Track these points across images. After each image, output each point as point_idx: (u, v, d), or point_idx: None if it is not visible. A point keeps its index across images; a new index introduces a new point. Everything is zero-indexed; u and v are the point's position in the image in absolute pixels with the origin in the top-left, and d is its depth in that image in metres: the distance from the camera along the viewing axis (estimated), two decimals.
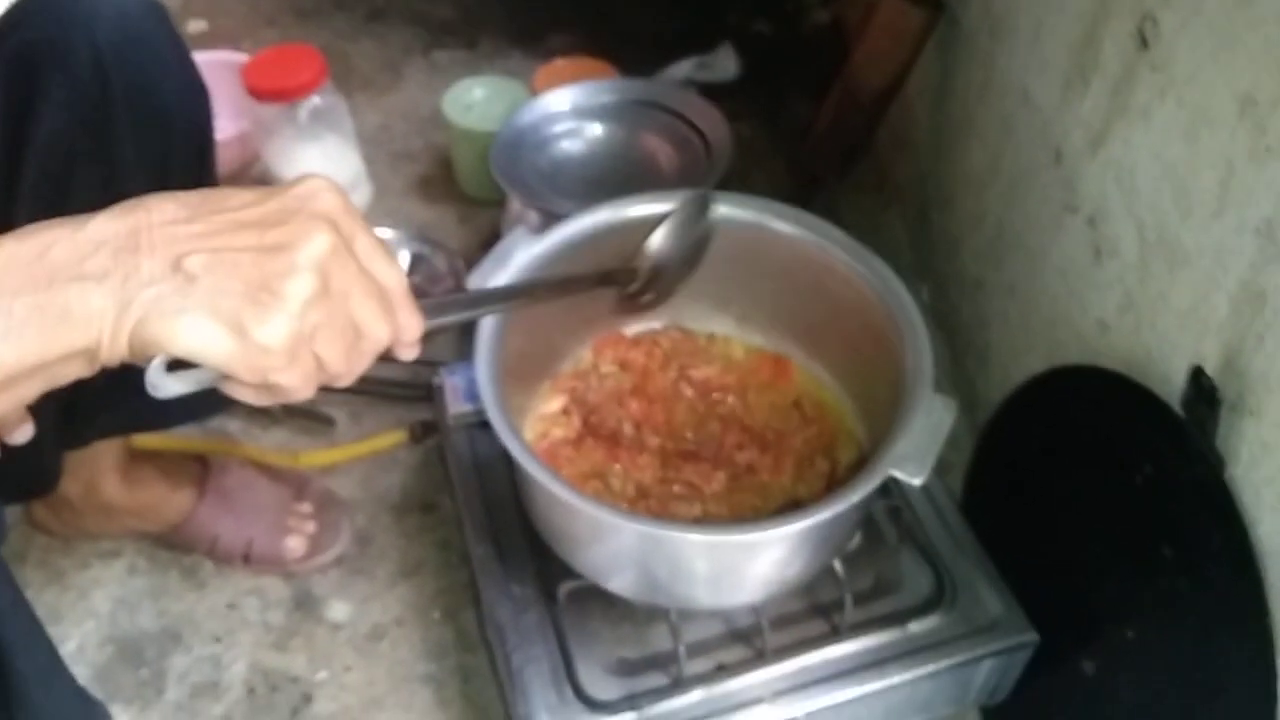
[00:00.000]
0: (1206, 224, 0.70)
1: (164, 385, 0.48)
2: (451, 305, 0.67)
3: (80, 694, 0.69)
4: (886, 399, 0.79)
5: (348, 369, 0.52)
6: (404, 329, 0.54)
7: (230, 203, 0.49)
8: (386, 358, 0.56)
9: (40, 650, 0.64)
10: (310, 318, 0.48)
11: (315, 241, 0.49)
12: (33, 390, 0.47)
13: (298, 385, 0.49)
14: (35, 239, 0.46)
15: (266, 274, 0.47)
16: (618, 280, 0.82)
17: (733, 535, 0.74)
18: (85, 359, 0.46)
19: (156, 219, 0.47)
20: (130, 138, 0.74)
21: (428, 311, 0.57)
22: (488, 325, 0.77)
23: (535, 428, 0.88)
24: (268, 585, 1.04)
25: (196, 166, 0.83)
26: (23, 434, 0.59)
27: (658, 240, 0.83)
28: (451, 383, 0.99)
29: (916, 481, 0.70)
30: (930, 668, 0.83)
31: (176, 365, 0.48)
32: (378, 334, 0.52)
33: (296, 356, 0.48)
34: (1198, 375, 0.69)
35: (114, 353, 0.46)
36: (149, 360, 0.47)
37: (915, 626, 0.85)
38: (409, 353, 0.57)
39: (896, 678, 0.83)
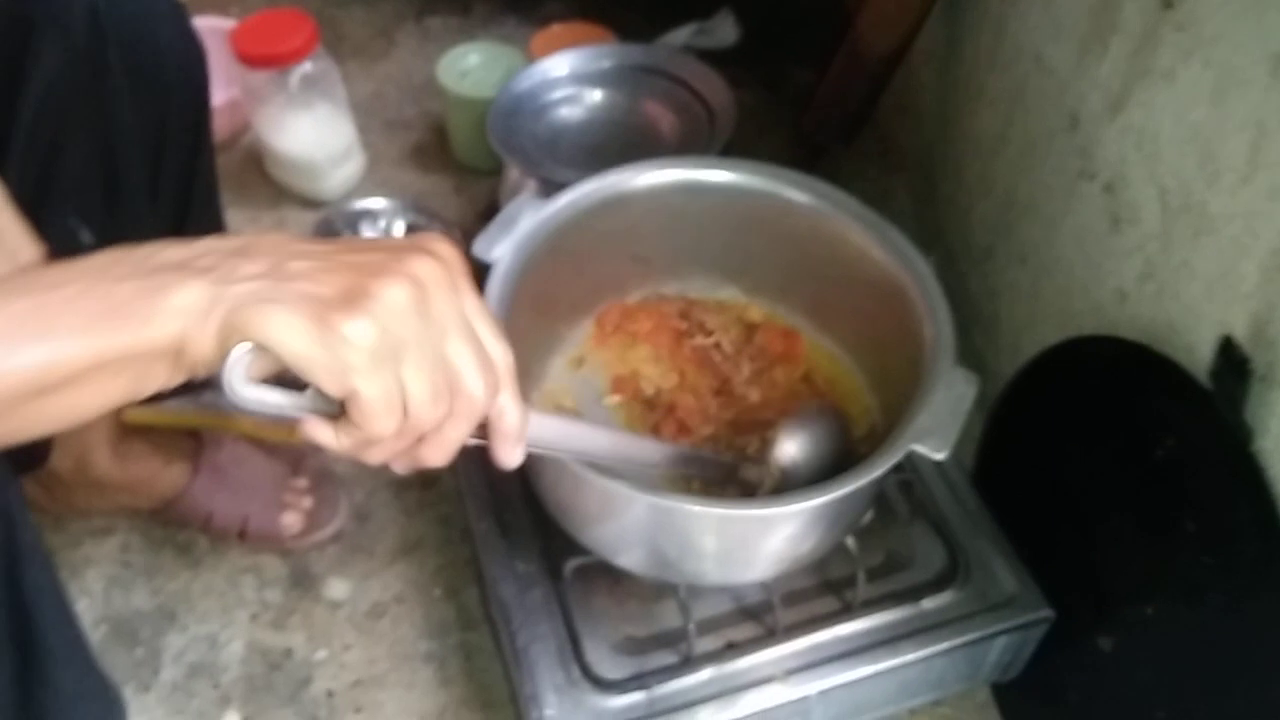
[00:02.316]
0: (1235, 189, 0.68)
1: (241, 391, 0.45)
2: (559, 429, 0.64)
3: (100, 677, 0.68)
4: (902, 373, 0.77)
5: (435, 420, 0.48)
6: (504, 412, 0.51)
7: (342, 240, 0.49)
8: (485, 456, 0.53)
9: (68, 629, 0.63)
10: (399, 328, 0.45)
11: (420, 263, 0.47)
12: (118, 391, 0.45)
13: (380, 407, 0.45)
14: (152, 245, 0.46)
15: (364, 279, 0.45)
16: (747, 477, 0.78)
17: (749, 510, 0.72)
18: (172, 358, 0.45)
19: (268, 238, 0.47)
20: (126, 99, 0.72)
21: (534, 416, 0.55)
22: (494, 298, 0.74)
23: (542, 402, 0.86)
24: (264, 563, 1.02)
25: (193, 130, 0.81)
26: None
27: (790, 449, 0.78)
28: None
29: (939, 456, 0.68)
30: (944, 645, 0.82)
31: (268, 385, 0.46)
32: (472, 387, 0.48)
33: (379, 365, 0.45)
34: (1227, 345, 0.67)
35: (200, 348, 0.44)
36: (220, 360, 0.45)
37: (928, 603, 0.84)
38: (510, 452, 0.53)
39: (910, 655, 0.81)
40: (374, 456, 0.49)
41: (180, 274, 0.44)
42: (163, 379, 0.46)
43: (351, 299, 0.45)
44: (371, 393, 0.45)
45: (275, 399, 0.46)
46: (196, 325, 0.44)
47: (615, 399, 0.87)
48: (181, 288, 0.44)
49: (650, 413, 0.87)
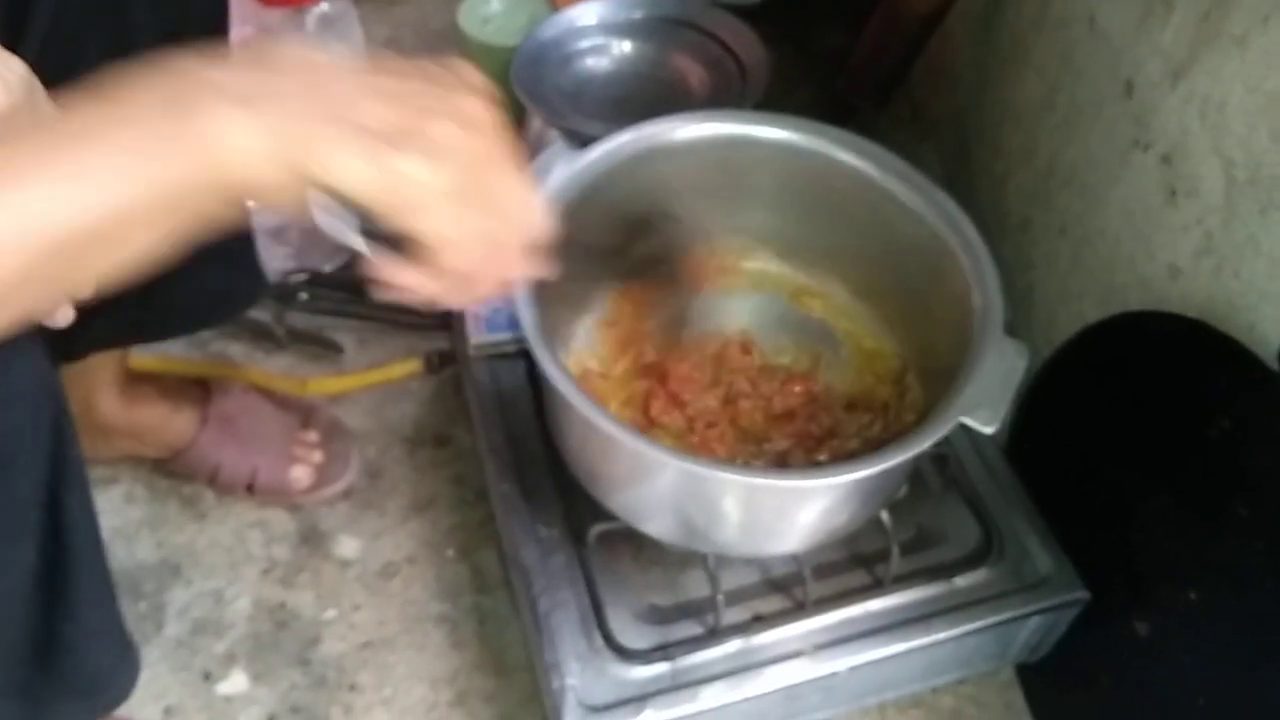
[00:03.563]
0: None
1: (325, 220, 0.45)
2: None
3: (124, 631, 0.67)
4: (946, 342, 0.74)
5: (498, 248, 0.50)
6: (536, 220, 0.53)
7: (375, 58, 0.49)
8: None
9: (100, 568, 0.62)
10: (449, 163, 0.46)
11: (464, 97, 0.47)
12: (166, 231, 0.44)
13: (451, 239, 0.47)
14: (180, 67, 0.43)
15: (412, 117, 0.45)
16: None
17: (784, 481, 0.70)
18: (223, 188, 0.43)
19: (290, 52, 0.46)
20: (145, 5, 0.68)
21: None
22: None
23: (569, 363, 0.83)
24: (272, 518, 0.99)
25: (213, 43, 0.77)
26: (64, 316, 0.54)
27: None
28: (473, 311, 0.93)
29: (989, 430, 0.66)
30: (977, 624, 0.80)
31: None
32: (525, 213, 0.51)
33: (444, 204, 0.46)
34: None
35: (259, 185, 0.43)
36: (291, 196, 0.44)
37: (961, 580, 0.82)
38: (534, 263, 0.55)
39: (942, 633, 0.79)
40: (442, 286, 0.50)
41: (212, 98, 0.42)
42: (215, 213, 0.44)
43: (404, 138, 0.44)
44: (442, 228, 0.46)
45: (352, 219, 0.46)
46: (252, 162, 0.42)
47: (620, 365, 0.84)
48: (217, 114, 0.42)
49: (647, 380, 0.84)
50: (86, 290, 0.45)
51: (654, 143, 0.79)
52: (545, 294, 0.71)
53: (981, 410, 0.66)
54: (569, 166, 0.76)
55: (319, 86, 0.44)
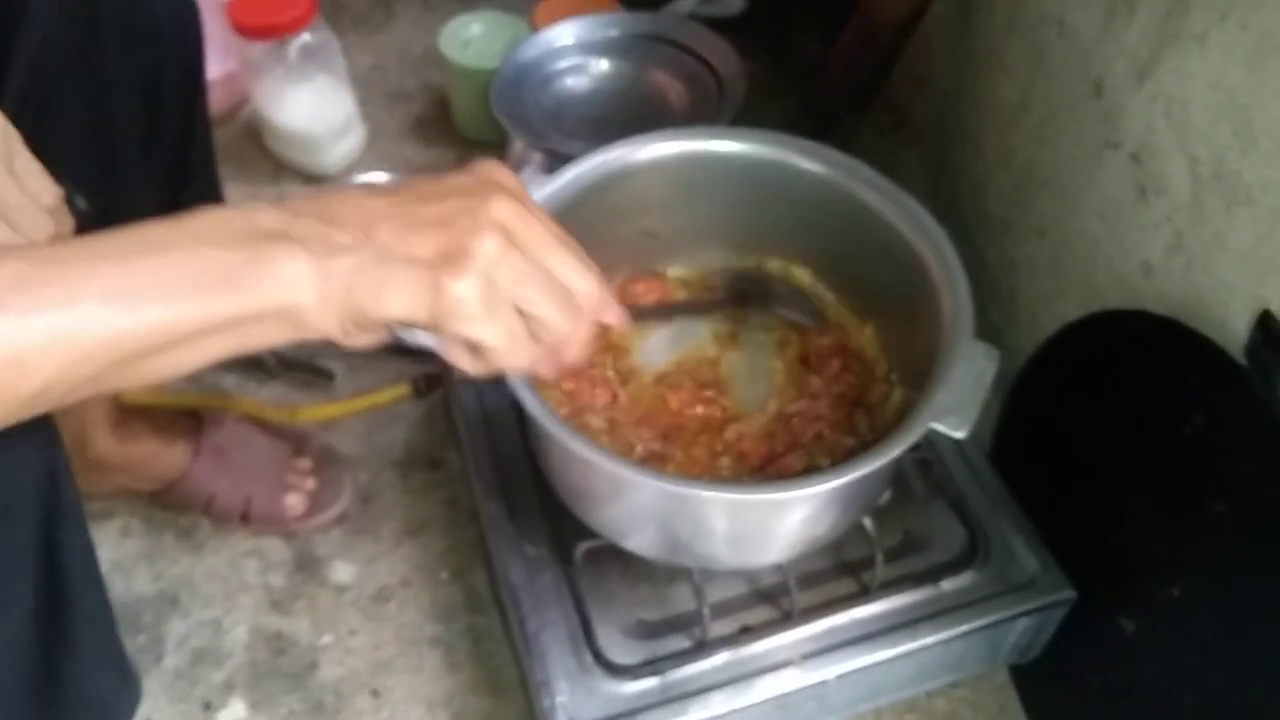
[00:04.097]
0: (1273, 157, 0.65)
1: (403, 336, 0.53)
2: None
3: (121, 648, 0.67)
4: (923, 347, 0.75)
5: (569, 326, 0.54)
6: (600, 291, 0.56)
7: (410, 184, 0.53)
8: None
9: (97, 595, 0.63)
10: (501, 274, 0.50)
11: (496, 204, 0.51)
12: (226, 347, 0.48)
13: (504, 344, 0.51)
14: (245, 209, 0.48)
15: (455, 238, 0.50)
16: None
17: (763, 494, 0.70)
18: (284, 321, 0.48)
19: (342, 200, 0.51)
20: (118, 54, 0.69)
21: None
22: None
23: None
24: (268, 546, 1.00)
25: (187, 89, 0.78)
26: None
27: None
28: None
29: (960, 434, 0.66)
30: (964, 627, 0.80)
31: None
32: (585, 286, 0.54)
33: (493, 311, 0.50)
34: (1266, 321, 0.64)
35: (321, 323, 0.48)
36: (366, 332, 0.51)
37: (948, 584, 0.82)
38: (615, 314, 0.60)
39: (930, 638, 0.79)
40: (519, 370, 0.55)
41: (284, 243, 0.47)
42: (274, 340, 0.49)
43: (452, 259, 0.49)
44: (494, 338, 0.51)
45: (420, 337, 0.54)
46: (310, 298, 0.47)
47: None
48: (289, 259, 0.47)
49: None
50: (133, 388, 0.49)
51: (623, 163, 0.80)
52: None
53: (951, 416, 0.66)
54: (541, 191, 0.77)
55: (372, 230, 0.49)
